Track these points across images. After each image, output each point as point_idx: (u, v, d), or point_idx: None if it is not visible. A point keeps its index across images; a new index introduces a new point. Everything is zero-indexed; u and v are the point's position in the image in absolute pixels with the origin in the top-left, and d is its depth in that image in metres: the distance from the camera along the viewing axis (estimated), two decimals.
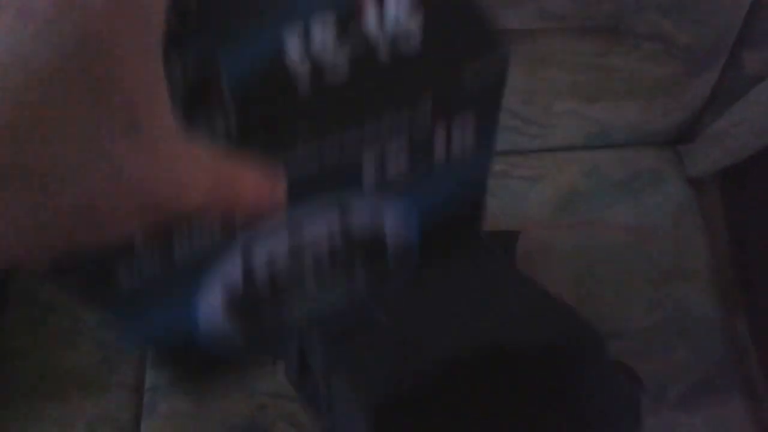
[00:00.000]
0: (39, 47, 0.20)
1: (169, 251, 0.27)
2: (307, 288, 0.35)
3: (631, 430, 0.44)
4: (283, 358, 0.37)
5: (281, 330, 0.35)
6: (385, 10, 0.29)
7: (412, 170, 0.33)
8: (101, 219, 0.23)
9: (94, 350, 0.80)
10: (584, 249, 0.87)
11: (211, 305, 0.32)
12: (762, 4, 0.76)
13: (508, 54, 0.31)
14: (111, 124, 0.22)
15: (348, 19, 0.28)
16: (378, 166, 0.31)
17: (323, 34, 0.27)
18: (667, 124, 0.92)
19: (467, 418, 0.36)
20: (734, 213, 0.87)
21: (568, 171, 0.93)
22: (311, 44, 0.28)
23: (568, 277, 0.85)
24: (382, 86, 0.29)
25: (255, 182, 0.26)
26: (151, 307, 0.31)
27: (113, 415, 0.77)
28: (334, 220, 0.32)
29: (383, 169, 0.31)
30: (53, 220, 0.22)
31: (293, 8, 0.27)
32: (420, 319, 0.40)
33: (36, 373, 0.79)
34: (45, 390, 0.78)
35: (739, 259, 0.83)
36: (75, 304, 0.46)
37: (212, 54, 0.26)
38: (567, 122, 0.91)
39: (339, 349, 0.34)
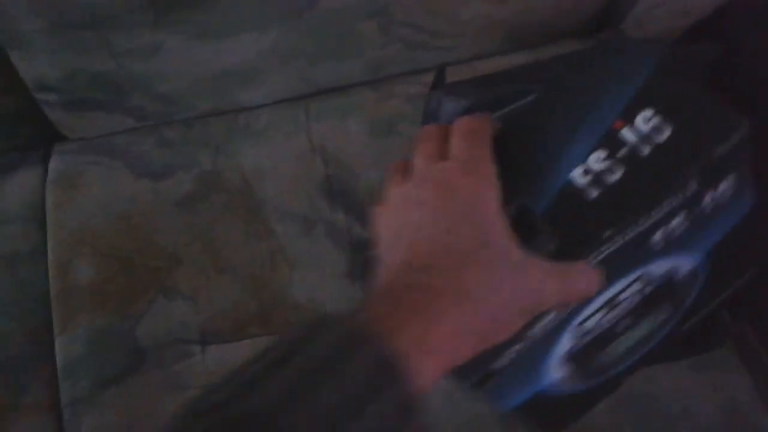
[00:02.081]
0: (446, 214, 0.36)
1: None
2: (618, 330, 0.47)
3: None
4: None
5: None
6: (637, 126, 0.40)
7: (690, 227, 0.42)
8: (501, 324, 0.35)
9: None
10: None
11: (554, 363, 0.45)
12: None
13: (747, 127, 0.39)
14: (496, 264, 0.35)
15: (610, 140, 0.39)
16: (665, 235, 0.41)
17: (596, 158, 0.39)
18: (583, 15, 0.84)
19: None
20: None
21: None
22: (588, 164, 0.39)
23: None
24: (652, 175, 0.39)
25: (584, 277, 0.37)
26: (512, 379, 0.43)
27: None
28: (636, 283, 0.43)
29: (669, 235, 0.41)
30: (477, 327, 0.33)
31: (568, 156, 0.40)
32: None
33: None
34: None
35: None
36: None
37: (525, 206, 0.38)
38: (478, 28, 0.82)
39: None
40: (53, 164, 0.81)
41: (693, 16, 0.74)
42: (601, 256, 0.39)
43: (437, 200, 0.37)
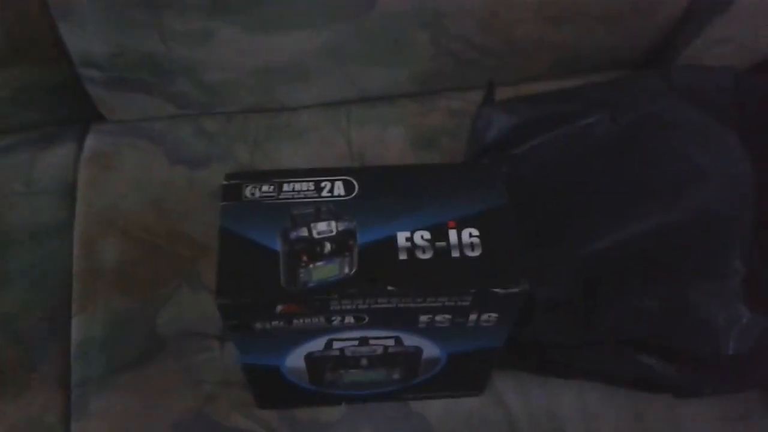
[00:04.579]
0: None
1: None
2: (359, 367, 0.58)
3: None
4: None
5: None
6: (461, 235, 0.48)
7: (452, 325, 0.51)
8: None
9: (11, 344, 0.69)
10: None
11: (297, 353, 0.54)
12: None
13: (526, 288, 0.48)
14: None
15: (439, 230, 0.48)
16: (430, 320, 0.50)
17: (421, 235, 0.48)
18: (638, 46, 0.83)
19: None
20: None
21: None
22: (414, 235, 0.48)
23: None
24: (445, 275, 0.48)
25: None
26: (261, 347, 0.54)
27: (37, 417, 0.67)
28: (390, 341, 0.54)
29: (433, 321, 0.51)
30: None
31: (405, 223, 0.49)
32: None
33: None
34: None
35: None
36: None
37: (353, 231, 0.48)
38: (529, 49, 0.81)
39: None
40: (89, 142, 0.81)
41: (751, 55, 0.73)
42: (376, 305, 0.48)
43: None
